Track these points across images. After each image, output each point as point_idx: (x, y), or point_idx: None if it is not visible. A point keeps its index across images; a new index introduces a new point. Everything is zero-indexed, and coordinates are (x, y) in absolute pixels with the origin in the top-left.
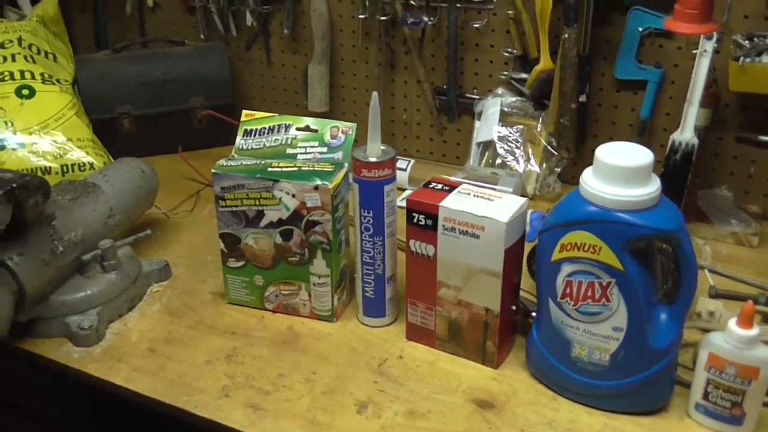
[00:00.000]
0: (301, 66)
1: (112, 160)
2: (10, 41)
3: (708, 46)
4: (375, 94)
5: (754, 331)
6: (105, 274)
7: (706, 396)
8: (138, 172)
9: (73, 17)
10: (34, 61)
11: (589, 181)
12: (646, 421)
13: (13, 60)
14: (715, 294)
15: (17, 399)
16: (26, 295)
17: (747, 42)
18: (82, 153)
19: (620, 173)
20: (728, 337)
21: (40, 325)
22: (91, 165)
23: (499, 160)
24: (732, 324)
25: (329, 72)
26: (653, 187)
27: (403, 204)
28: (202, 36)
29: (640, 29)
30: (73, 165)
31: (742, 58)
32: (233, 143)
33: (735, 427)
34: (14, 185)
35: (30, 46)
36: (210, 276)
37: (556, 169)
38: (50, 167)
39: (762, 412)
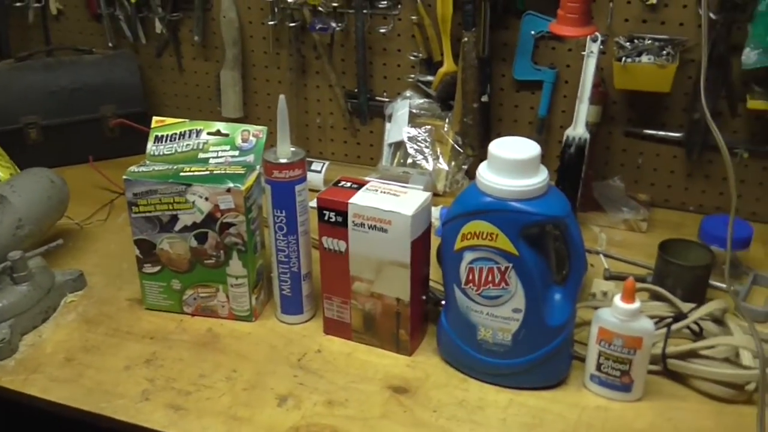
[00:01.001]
0: (214, 72)
1: (20, 171)
2: None
3: (594, 48)
4: (282, 97)
5: (635, 304)
6: (16, 286)
7: (598, 367)
8: (47, 182)
9: None
10: None
11: (485, 174)
12: (547, 395)
13: None
14: (609, 276)
15: None
16: None
17: (628, 44)
18: None
19: (511, 165)
20: (614, 312)
21: None
22: None
23: (410, 160)
24: (617, 299)
25: (242, 78)
26: (542, 177)
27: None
28: (110, 44)
29: (533, 32)
30: None
31: (624, 59)
32: (144, 152)
33: (625, 394)
34: None
35: None
36: (126, 283)
37: (463, 166)
38: None
39: (647, 379)
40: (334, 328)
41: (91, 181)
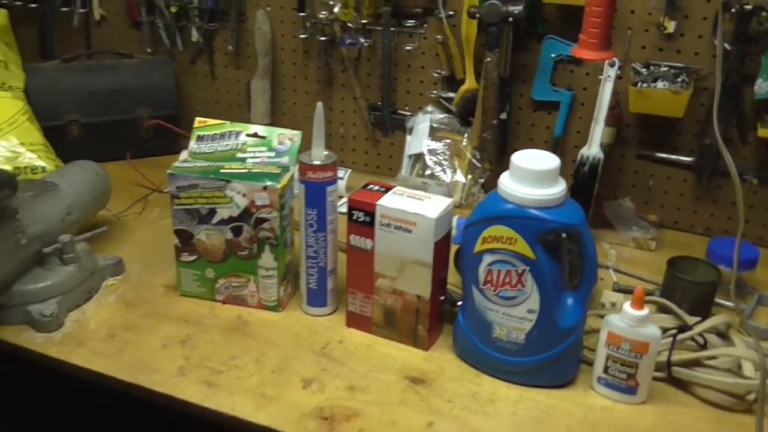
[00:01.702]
0: (244, 81)
1: (63, 164)
2: None
3: (611, 72)
4: (320, 104)
5: (644, 311)
6: (64, 267)
7: (606, 370)
8: (93, 174)
9: (17, 29)
10: None
11: (506, 182)
12: (556, 393)
13: None
14: (618, 289)
15: None
16: None
17: (644, 70)
18: (35, 156)
19: (532, 175)
20: (623, 317)
21: (3, 313)
22: (43, 169)
23: (428, 171)
24: (626, 306)
25: (271, 87)
26: (560, 188)
27: (342, 209)
28: (148, 50)
29: (553, 56)
30: (25, 168)
31: (639, 84)
32: (177, 152)
33: (630, 396)
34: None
35: None
36: (161, 271)
37: (479, 180)
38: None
39: (652, 385)
40: (356, 321)
41: (127, 177)
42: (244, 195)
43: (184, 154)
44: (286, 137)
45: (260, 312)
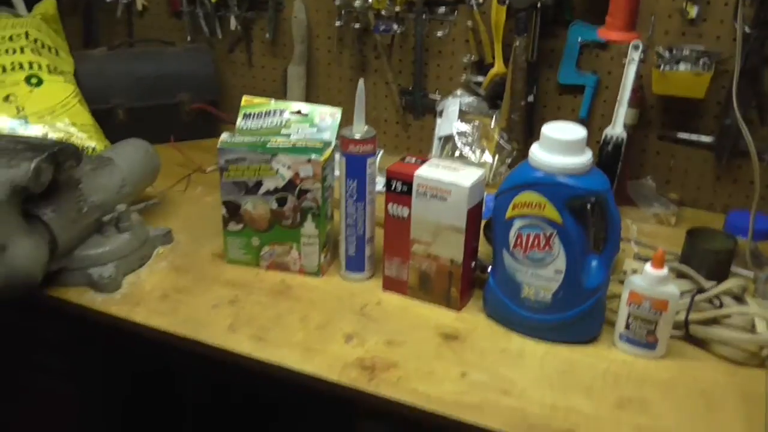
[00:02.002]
0: (280, 67)
1: (110, 145)
2: (19, 35)
3: (635, 55)
4: (361, 81)
5: (664, 271)
6: (120, 234)
7: (627, 326)
8: (143, 151)
9: (63, 18)
10: (40, 54)
11: (536, 152)
12: (580, 349)
13: (22, 52)
14: (639, 258)
15: (30, 353)
16: (58, 245)
17: (667, 53)
18: (85, 136)
19: (561, 145)
20: (644, 277)
21: (66, 275)
22: (93, 148)
23: (457, 153)
24: (647, 266)
25: (307, 74)
26: (586, 157)
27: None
28: (188, 38)
29: (580, 40)
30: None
31: (662, 66)
32: (216, 136)
33: (650, 351)
34: (56, 149)
35: (36, 41)
36: (207, 241)
37: (507, 160)
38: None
39: (670, 343)
40: (392, 284)
41: (169, 158)
42: (288, 167)
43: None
44: (327, 114)
45: (302, 277)
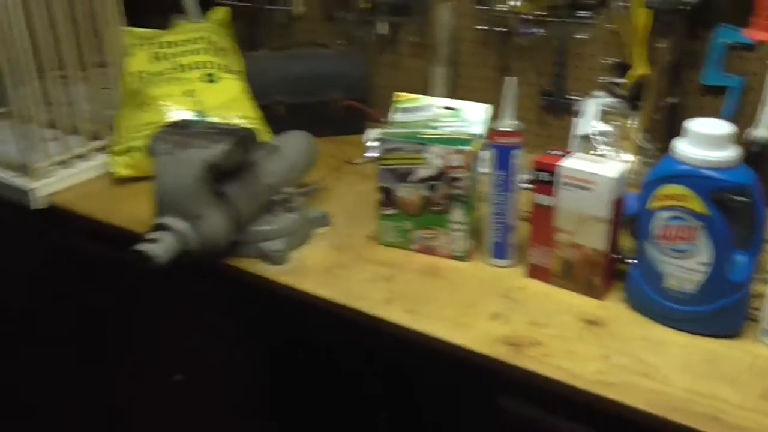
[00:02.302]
0: (425, 69)
1: (272, 137)
2: (198, 39)
3: None
4: (513, 79)
5: None
6: (288, 214)
7: None
8: (306, 142)
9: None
10: (215, 55)
11: (681, 146)
12: (723, 342)
13: (201, 53)
14: None
15: (203, 317)
16: (240, 219)
17: None
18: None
19: (707, 139)
20: None
21: (241, 248)
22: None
23: (596, 153)
24: None
25: (451, 76)
26: (733, 152)
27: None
28: (341, 41)
29: (724, 42)
30: None
31: None
32: (362, 132)
33: None
34: (244, 134)
35: (212, 43)
36: (361, 225)
37: (647, 160)
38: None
39: None
40: (536, 272)
41: (322, 150)
42: (440, 157)
43: (369, 134)
44: (476, 109)
45: (449, 261)
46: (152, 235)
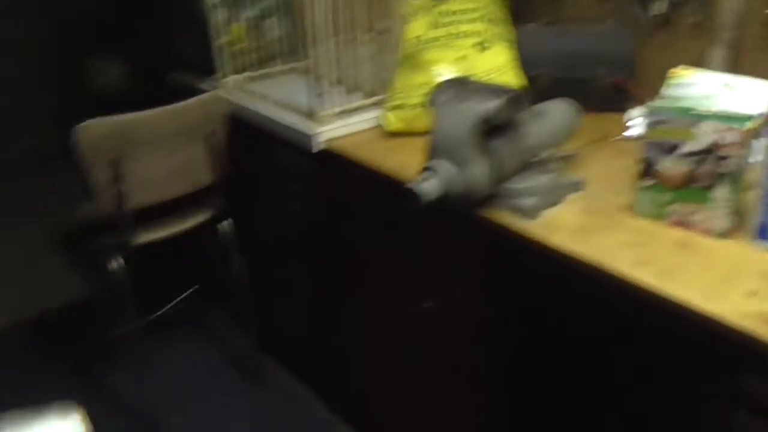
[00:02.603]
0: (700, 52)
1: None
2: (475, 9)
3: None
4: None
5: None
6: (543, 175)
7: None
8: (570, 110)
9: None
10: (489, 24)
11: None
12: None
13: (477, 22)
14: None
15: (448, 264)
16: (501, 173)
17: None
18: None
19: None
20: None
21: (496, 200)
22: None
23: None
24: None
25: (731, 59)
26: None
27: None
28: (612, 20)
29: None
30: None
31: None
32: (623, 111)
33: None
34: (515, 94)
35: (487, 14)
36: (614, 195)
37: None
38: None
39: None
40: None
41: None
42: (712, 133)
43: (632, 113)
44: (757, 88)
45: (706, 236)
46: (424, 175)
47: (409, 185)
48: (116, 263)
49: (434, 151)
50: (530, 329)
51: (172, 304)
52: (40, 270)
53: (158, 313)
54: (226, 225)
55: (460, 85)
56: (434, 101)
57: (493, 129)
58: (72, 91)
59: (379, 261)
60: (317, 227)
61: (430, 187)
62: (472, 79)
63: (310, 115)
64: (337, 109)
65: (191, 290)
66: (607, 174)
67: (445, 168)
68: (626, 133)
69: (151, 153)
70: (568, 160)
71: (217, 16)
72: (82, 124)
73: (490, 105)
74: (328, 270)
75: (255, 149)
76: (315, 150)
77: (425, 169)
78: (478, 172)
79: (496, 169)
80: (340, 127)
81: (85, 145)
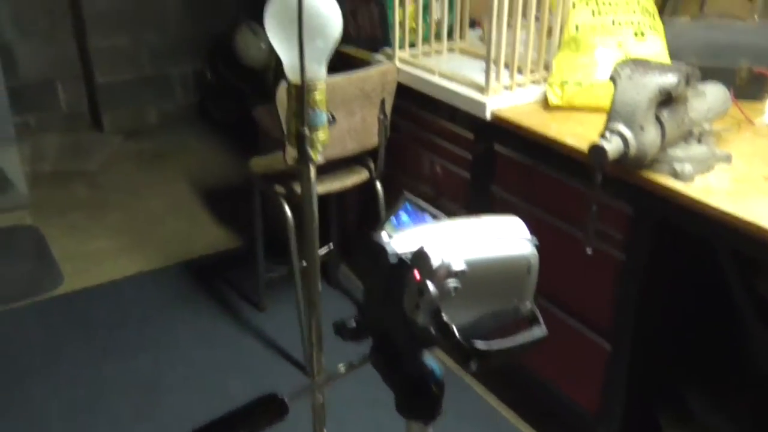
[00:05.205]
0: None
1: None
2: (633, 2)
3: None
4: None
5: None
6: (699, 145)
7: None
8: (723, 92)
9: None
10: (644, 15)
11: None
12: None
13: (634, 13)
14: None
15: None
16: (665, 140)
17: None
18: None
19: None
20: None
21: (657, 164)
22: None
23: None
24: None
25: None
26: None
27: None
28: (755, 17)
29: None
30: None
31: None
32: (762, 99)
33: None
34: (689, 71)
35: (642, 5)
36: (759, 169)
37: None
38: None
39: None
40: None
41: None
42: None
43: None
44: None
45: None
46: (606, 135)
47: (598, 143)
48: (287, 211)
49: (615, 116)
50: (680, 284)
51: (323, 252)
52: (191, 220)
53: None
54: (378, 184)
55: (640, 63)
56: (618, 73)
57: (664, 101)
58: (220, 59)
59: (523, 214)
60: (470, 185)
61: (610, 146)
62: (649, 59)
63: (482, 88)
64: (505, 84)
65: (326, 247)
66: (752, 150)
67: (625, 131)
68: (766, 118)
69: (335, 113)
70: (718, 135)
71: None
72: (282, 83)
73: (671, 79)
74: None
75: (416, 117)
76: (487, 116)
77: (608, 130)
78: (649, 137)
79: (662, 137)
80: (508, 99)
81: (281, 101)
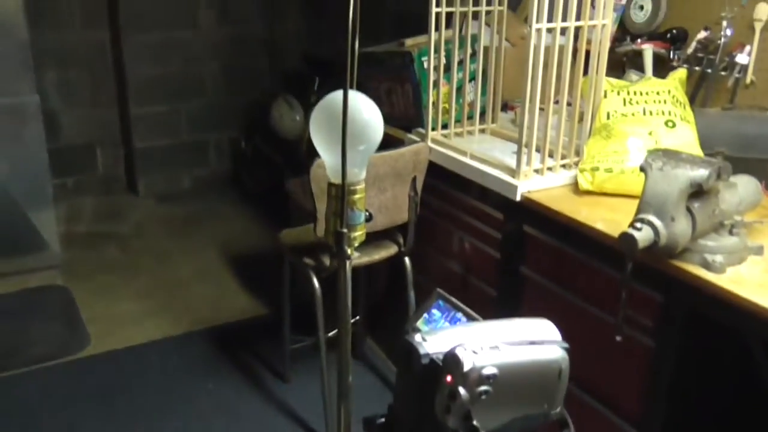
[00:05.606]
0: None
1: None
2: (662, 91)
3: None
4: None
5: None
6: (730, 237)
7: None
8: (755, 185)
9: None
10: (675, 106)
11: None
12: None
13: (665, 103)
14: None
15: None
16: (695, 231)
17: None
18: None
19: None
20: None
21: (688, 254)
22: None
23: None
24: None
25: None
26: None
27: None
28: None
29: None
30: None
31: None
32: None
33: None
34: (720, 166)
35: (674, 96)
36: None
37: None
38: None
39: None
40: None
41: None
42: None
43: None
44: None
45: None
46: (637, 225)
47: (628, 232)
48: (315, 283)
49: (646, 207)
50: (711, 372)
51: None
52: (219, 286)
53: (333, 333)
54: (407, 260)
55: (671, 155)
56: (649, 165)
57: (695, 193)
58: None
59: (552, 296)
60: (499, 265)
61: (641, 235)
62: (679, 151)
63: (512, 171)
64: (535, 168)
65: (353, 320)
66: None
67: (655, 221)
68: None
69: (368, 190)
70: (750, 227)
71: (430, 78)
72: (317, 161)
73: (702, 173)
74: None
75: (447, 195)
76: (517, 199)
77: (639, 220)
78: (680, 228)
79: (693, 228)
80: (538, 182)
81: (315, 178)
